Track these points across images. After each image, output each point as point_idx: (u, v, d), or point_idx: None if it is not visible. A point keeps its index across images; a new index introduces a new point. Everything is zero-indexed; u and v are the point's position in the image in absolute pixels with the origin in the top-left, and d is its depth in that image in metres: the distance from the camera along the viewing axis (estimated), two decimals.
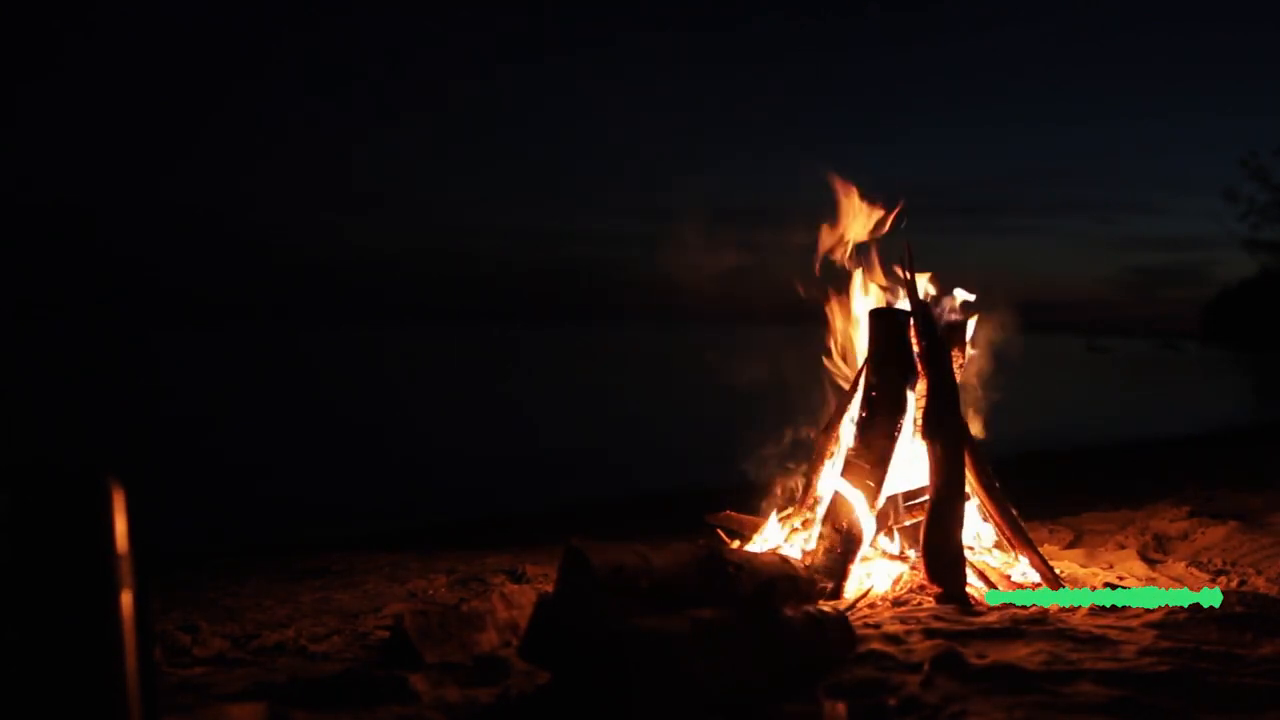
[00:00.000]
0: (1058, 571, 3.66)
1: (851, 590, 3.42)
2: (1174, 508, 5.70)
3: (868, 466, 3.55)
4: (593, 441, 15.54)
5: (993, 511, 3.69)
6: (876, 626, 2.94)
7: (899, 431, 3.64)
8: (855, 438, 3.67)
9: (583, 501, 9.13)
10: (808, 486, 3.94)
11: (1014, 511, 3.72)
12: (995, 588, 3.45)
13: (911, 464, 3.72)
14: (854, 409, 3.80)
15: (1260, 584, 3.86)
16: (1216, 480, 7.60)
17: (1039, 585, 3.53)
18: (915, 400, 3.65)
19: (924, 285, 3.84)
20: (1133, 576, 3.91)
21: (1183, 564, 4.25)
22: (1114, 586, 3.59)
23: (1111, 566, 4.13)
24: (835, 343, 4.12)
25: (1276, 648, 2.68)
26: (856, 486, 3.52)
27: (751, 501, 4.08)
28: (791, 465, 4.08)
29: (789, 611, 2.58)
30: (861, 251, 4.04)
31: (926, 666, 2.49)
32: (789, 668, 2.43)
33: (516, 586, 3.84)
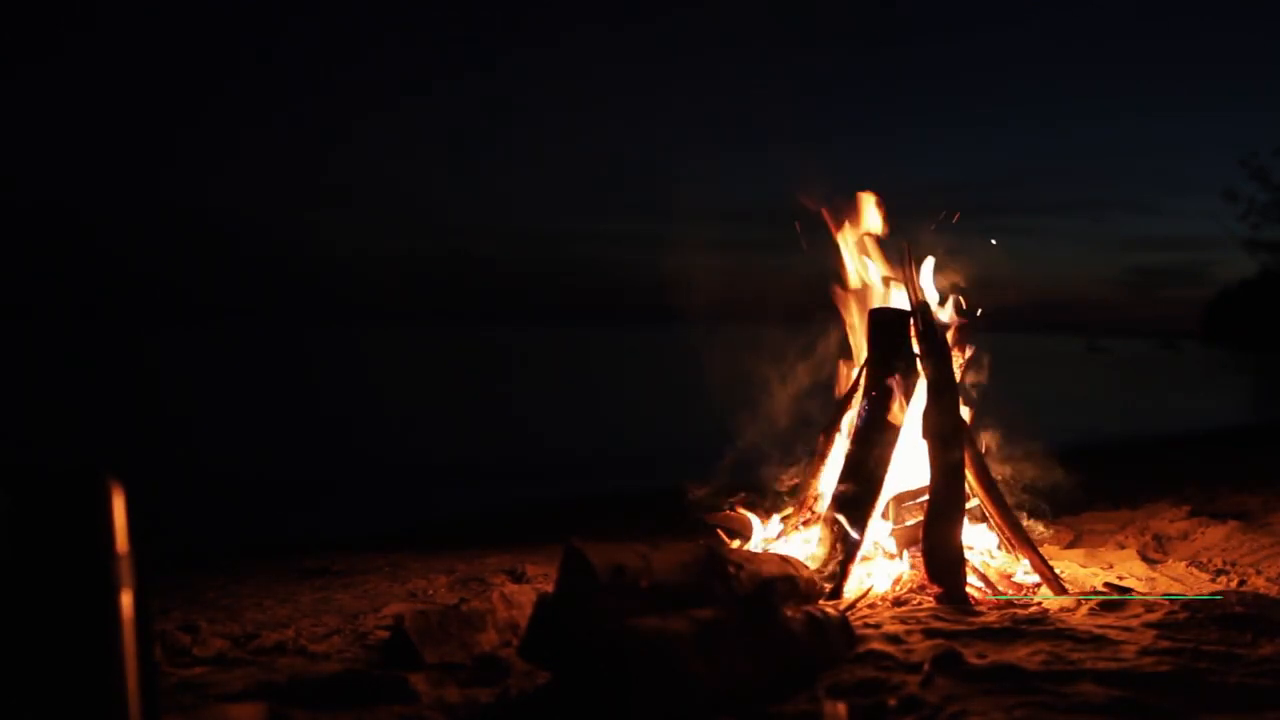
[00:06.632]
0: (1058, 571, 3.66)
1: (851, 590, 3.42)
2: (1174, 508, 5.69)
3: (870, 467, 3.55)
4: (593, 441, 15.54)
5: (993, 511, 3.69)
6: (876, 626, 2.94)
7: (899, 431, 3.64)
8: (855, 438, 3.67)
9: (582, 501, 9.11)
10: (808, 486, 3.94)
11: (1014, 511, 3.73)
12: (995, 588, 3.45)
13: (911, 464, 3.72)
14: (854, 409, 3.80)
15: (1260, 584, 3.86)
16: (1216, 480, 7.58)
17: (1039, 585, 3.53)
18: (915, 400, 3.65)
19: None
20: (1133, 576, 3.90)
21: (1183, 564, 4.24)
22: (1114, 587, 3.60)
23: (1111, 566, 4.12)
24: (842, 342, 4.11)
25: (1276, 648, 2.68)
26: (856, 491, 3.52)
27: (751, 501, 4.07)
28: (792, 465, 4.07)
29: (789, 611, 2.58)
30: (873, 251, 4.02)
31: (926, 666, 2.49)
32: (789, 668, 2.43)
33: (516, 586, 3.83)
